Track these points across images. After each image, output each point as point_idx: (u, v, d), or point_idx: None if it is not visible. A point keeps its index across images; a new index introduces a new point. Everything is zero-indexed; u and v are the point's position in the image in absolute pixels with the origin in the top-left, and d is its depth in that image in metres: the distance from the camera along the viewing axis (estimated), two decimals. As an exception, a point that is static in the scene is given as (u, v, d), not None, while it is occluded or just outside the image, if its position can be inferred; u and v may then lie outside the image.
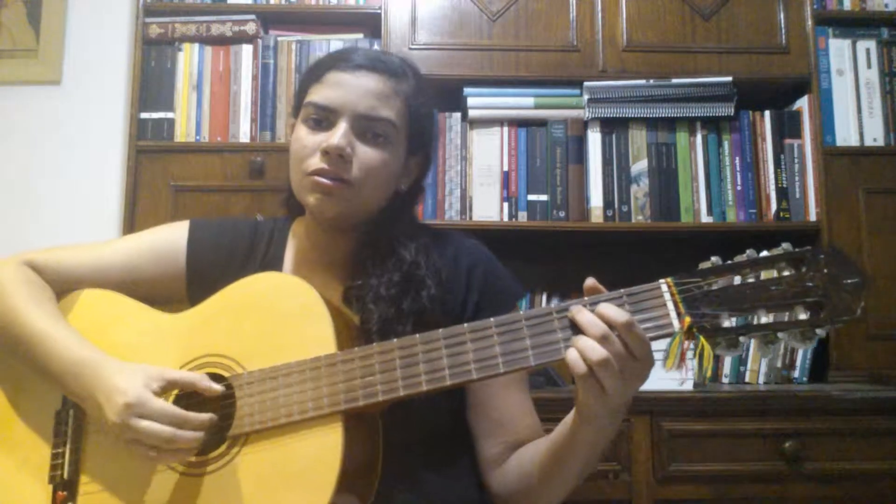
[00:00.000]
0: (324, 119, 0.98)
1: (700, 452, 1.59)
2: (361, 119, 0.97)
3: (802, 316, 0.75)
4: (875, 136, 1.95)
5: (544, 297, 2.04)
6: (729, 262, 0.79)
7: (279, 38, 1.99)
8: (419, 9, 1.97)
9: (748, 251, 0.78)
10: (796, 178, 1.95)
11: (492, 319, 0.83)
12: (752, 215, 1.94)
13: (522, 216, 1.94)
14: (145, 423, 0.82)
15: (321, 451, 0.83)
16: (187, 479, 0.88)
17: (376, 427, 0.89)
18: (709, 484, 1.59)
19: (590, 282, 0.83)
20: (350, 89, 0.97)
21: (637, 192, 1.94)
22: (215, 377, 0.90)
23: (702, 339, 0.77)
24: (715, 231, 1.95)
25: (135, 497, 0.89)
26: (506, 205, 1.94)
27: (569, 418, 0.88)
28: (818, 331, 0.75)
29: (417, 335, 0.85)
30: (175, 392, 0.90)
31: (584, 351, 0.77)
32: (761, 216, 1.94)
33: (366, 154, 0.97)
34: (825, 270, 0.74)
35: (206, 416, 0.85)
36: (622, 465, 1.59)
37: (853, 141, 1.94)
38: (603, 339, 0.77)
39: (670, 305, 0.79)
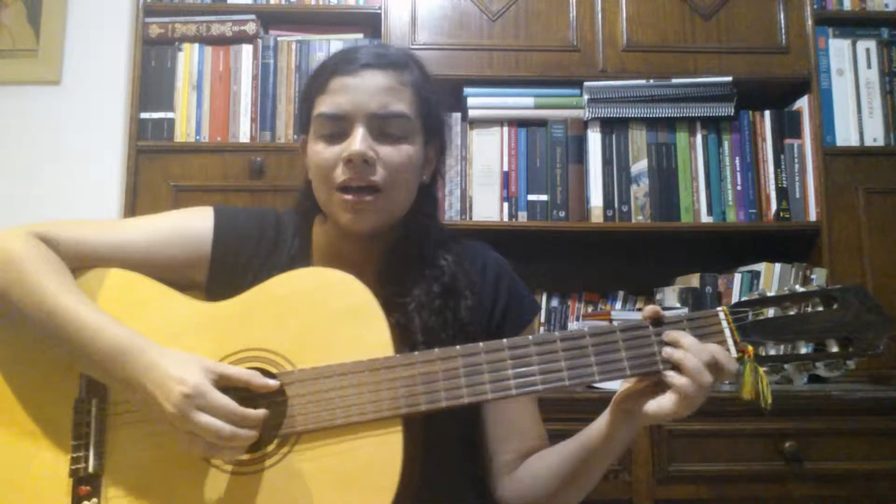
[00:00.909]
0: (338, 128, 0.95)
1: (700, 452, 1.59)
2: (376, 118, 0.94)
3: (834, 349, 0.84)
4: (875, 136, 1.95)
5: (544, 297, 2.04)
6: (772, 294, 0.87)
7: (279, 38, 1.99)
8: (419, 9, 1.97)
9: (788, 286, 0.88)
10: (796, 178, 1.95)
11: (557, 333, 0.86)
12: (752, 215, 1.94)
13: (522, 216, 1.94)
14: (205, 418, 0.79)
15: (381, 455, 0.82)
16: (232, 478, 0.85)
17: (418, 429, 0.89)
18: (709, 484, 1.59)
19: (652, 308, 0.87)
20: (358, 91, 0.94)
21: (637, 192, 1.94)
22: (262, 373, 0.87)
23: (759, 367, 0.84)
24: (715, 231, 1.95)
25: (169, 495, 0.85)
26: (506, 205, 1.94)
27: (600, 427, 0.91)
28: (848, 363, 0.84)
29: (481, 343, 0.86)
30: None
31: (695, 375, 0.81)
32: (761, 216, 1.94)
33: (388, 154, 0.94)
34: (853, 308, 0.84)
35: (262, 413, 0.82)
36: (622, 465, 1.59)
37: (853, 141, 1.95)
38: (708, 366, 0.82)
39: (727, 333, 0.85)
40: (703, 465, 1.59)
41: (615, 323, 0.90)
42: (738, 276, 1.88)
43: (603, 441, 0.90)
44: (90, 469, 0.87)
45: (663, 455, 1.59)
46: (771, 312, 0.86)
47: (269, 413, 0.86)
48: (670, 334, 0.84)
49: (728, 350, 0.84)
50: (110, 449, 0.88)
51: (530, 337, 0.86)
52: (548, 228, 1.93)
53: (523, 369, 0.84)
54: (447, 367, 0.85)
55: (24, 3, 2.08)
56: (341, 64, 0.97)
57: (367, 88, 0.95)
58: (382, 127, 0.95)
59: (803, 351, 0.84)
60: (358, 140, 0.92)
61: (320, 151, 0.96)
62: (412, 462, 0.87)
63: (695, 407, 0.82)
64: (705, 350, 0.82)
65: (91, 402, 0.90)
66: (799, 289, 0.86)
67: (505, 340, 0.85)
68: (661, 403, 0.83)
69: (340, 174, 0.93)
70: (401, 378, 0.85)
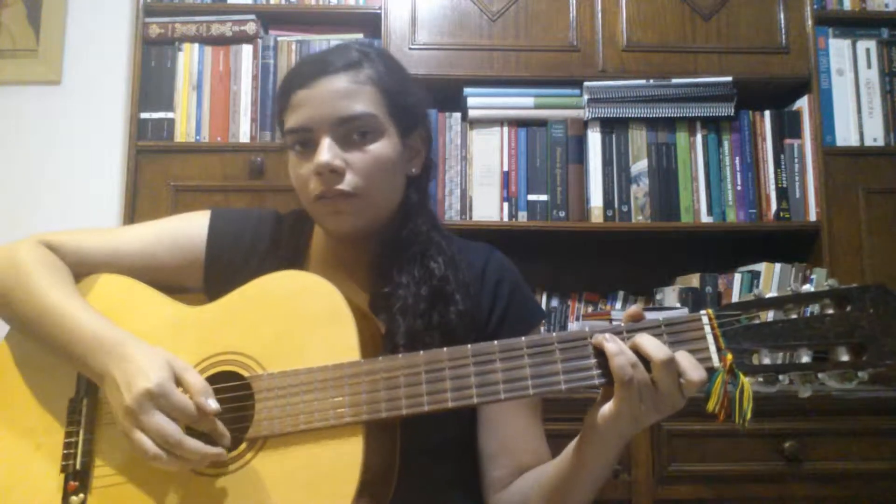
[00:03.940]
0: (306, 141, 0.95)
1: (700, 452, 1.59)
2: (338, 125, 0.93)
3: (844, 357, 0.73)
4: (875, 136, 1.95)
5: (544, 297, 2.04)
6: (771, 295, 0.77)
7: (279, 38, 1.99)
8: (419, 9, 1.97)
9: (791, 286, 0.76)
10: (796, 178, 1.95)
11: (523, 339, 0.82)
12: (752, 215, 1.94)
13: (522, 216, 1.94)
14: (159, 419, 0.79)
15: (341, 461, 0.82)
16: (203, 479, 0.86)
17: (395, 434, 0.88)
18: (709, 484, 1.59)
19: (635, 309, 0.82)
20: (315, 103, 0.94)
21: (637, 192, 1.94)
22: (233, 375, 0.88)
23: (742, 378, 0.75)
24: (715, 231, 1.95)
25: (148, 493, 0.87)
26: (506, 205, 1.94)
27: (572, 445, 0.88)
28: (860, 374, 0.73)
29: (445, 349, 0.83)
30: (209, 374, 0.88)
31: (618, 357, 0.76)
32: (761, 216, 1.94)
33: (358, 160, 0.94)
34: (871, 311, 0.72)
35: (226, 434, 0.83)
36: (622, 465, 1.59)
37: (853, 141, 1.94)
38: (633, 367, 0.76)
39: (710, 339, 0.77)
40: (703, 465, 1.59)
41: (614, 323, 0.86)
42: (738, 276, 1.88)
43: (576, 461, 0.86)
44: (78, 465, 0.90)
45: (663, 455, 1.59)
46: (770, 316, 0.76)
47: (238, 416, 0.87)
48: (596, 338, 0.78)
49: (710, 358, 0.76)
50: (99, 447, 0.91)
51: (496, 343, 0.82)
52: (548, 228, 1.93)
53: (486, 377, 0.81)
54: (409, 374, 0.83)
55: (24, 3, 2.08)
56: (296, 78, 0.97)
57: (323, 97, 0.94)
58: (348, 131, 0.94)
59: (806, 360, 0.74)
60: (323, 151, 0.92)
61: (295, 166, 0.97)
62: (389, 466, 0.87)
63: (638, 413, 0.76)
64: (626, 353, 0.76)
65: (82, 401, 0.93)
66: (807, 288, 0.75)
67: (469, 347, 0.83)
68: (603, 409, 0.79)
69: (314, 187, 0.94)
70: (364, 383, 0.83)
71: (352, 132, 0.94)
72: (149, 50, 1.97)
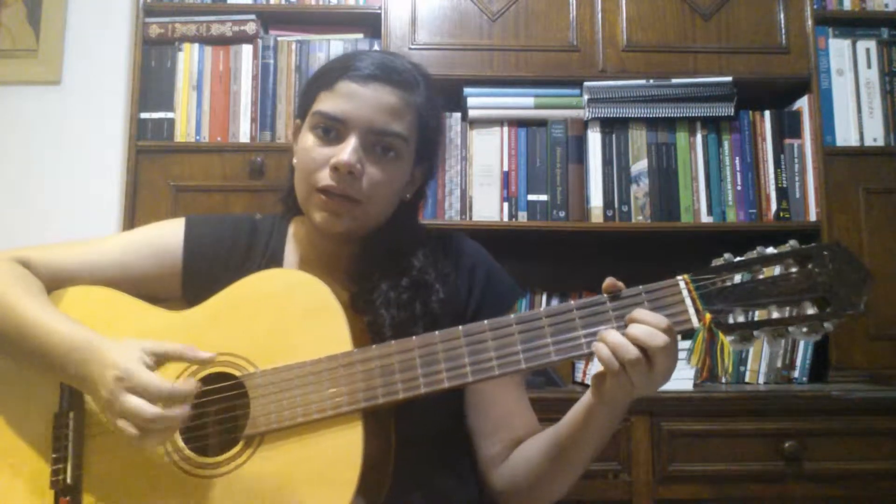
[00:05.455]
0: (333, 129, 0.96)
1: (700, 452, 1.59)
2: (372, 133, 0.95)
3: (810, 311, 0.78)
4: (875, 136, 1.95)
5: (544, 297, 2.04)
6: (740, 258, 0.82)
7: (279, 38, 1.99)
8: (419, 9, 1.97)
9: (758, 248, 0.82)
10: (796, 178, 1.95)
11: (512, 316, 0.85)
12: (752, 215, 1.94)
13: (522, 216, 1.94)
14: (133, 401, 0.79)
15: (342, 450, 0.83)
16: (201, 482, 0.85)
17: (389, 424, 0.89)
18: (709, 484, 1.59)
19: (609, 280, 0.86)
20: (363, 102, 0.95)
21: (637, 192, 1.94)
22: (226, 376, 0.89)
23: (720, 334, 0.80)
24: (715, 231, 1.95)
25: (146, 501, 0.86)
26: (506, 205, 1.94)
27: (581, 404, 0.90)
28: (825, 324, 0.78)
29: (437, 332, 0.86)
30: (200, 376, 0.89)
31: (616, 349, 0.79)
32: (761, 216, 1.94)
33: (375, 171, 0.95)
34: (830, 266, 0.77)
35: (190, 387, 0.82)
36: (622, 465, 1.59)
37: (853, 141, 1.94)
38: (618, 356, 0.80)
39: (688, 302, 0.82)
40: (703, 465, 1.59)
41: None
42: (738, 277, 1.88)
43: (584, 419, 0.90)
44: (69, 480, 0.89)
45: (663, 455, 1.59)
46: (740, 278, 0.82)
47: (234, 415, 0.87)
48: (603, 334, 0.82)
49: (689, 319, 0.81)
50: (88, 460, 0.90)
51: (486, 322, 0.85)
52: (548, 228, 1.93)
53: (480, 356, 0.84)
54: (403, 359, 0.85)
55: (24, 3, 2.08)
56: (353, 68, 0.97)
57: (372, 101, 0.95)
58: (376, 143, 0.96)
59: (776, 316, 0.80)
60: (349, 150, 0.93)
61: (310, 148, 0.97)
62: (385, 457, 0.87)
63: (642, 385, 0.80)
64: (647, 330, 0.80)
65: (69, 415, 0.91)
66: (770, 250, 0.81)
67: (460, 328, 0.85)
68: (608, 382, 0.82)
69: (324, 178, 0.95)
70: (358, 372, 0.85)
71: (378, 144, 0.96)
72: (149, 50, 1.97)
